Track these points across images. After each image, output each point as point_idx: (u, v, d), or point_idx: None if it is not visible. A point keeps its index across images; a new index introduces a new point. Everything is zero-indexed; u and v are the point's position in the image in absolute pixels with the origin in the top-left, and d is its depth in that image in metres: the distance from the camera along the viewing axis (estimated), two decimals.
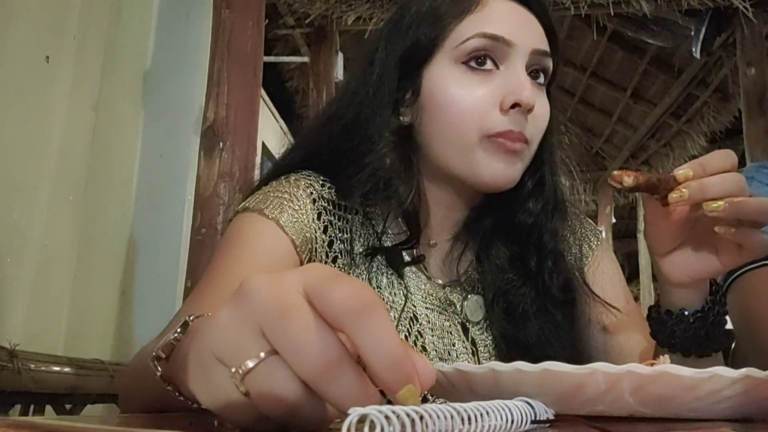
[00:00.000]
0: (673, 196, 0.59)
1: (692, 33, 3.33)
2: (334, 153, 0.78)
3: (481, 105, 0.73)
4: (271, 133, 3.59)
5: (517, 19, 0.76)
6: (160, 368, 0.42)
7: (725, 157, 0.60)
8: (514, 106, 0.72)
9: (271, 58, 3.59)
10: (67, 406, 1.28)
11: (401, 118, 0.78)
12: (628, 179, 0.59)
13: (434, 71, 0.76)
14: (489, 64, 0.74)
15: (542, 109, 0.76)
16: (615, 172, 0.59)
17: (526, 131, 0.74)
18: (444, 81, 0.75)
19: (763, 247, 0.60)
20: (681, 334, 0.68)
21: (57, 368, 1.22)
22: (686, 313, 0.68)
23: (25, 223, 1.39)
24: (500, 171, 0.74)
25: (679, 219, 0.64)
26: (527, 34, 0.76)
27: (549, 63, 0.78)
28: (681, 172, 0.59)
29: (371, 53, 0.81)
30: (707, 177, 0.58)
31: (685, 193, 0.58)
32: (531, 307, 0.79)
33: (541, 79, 0.78)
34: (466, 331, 0.80)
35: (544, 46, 0.77)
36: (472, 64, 0.74)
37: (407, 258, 0.79)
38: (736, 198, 0.58)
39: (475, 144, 0.73)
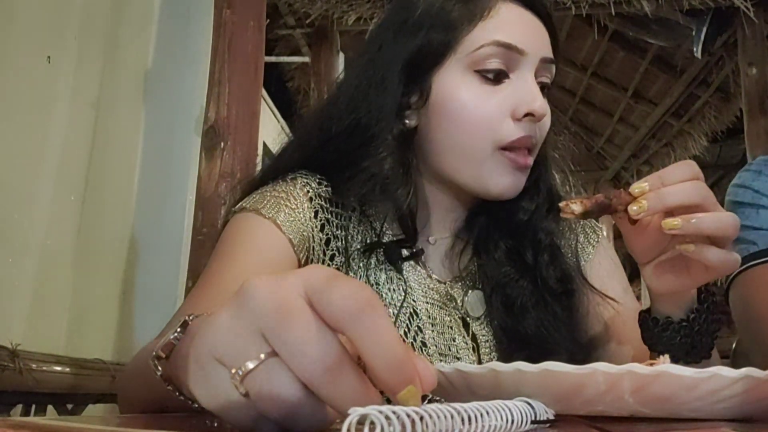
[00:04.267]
0: (632, 208, 0.58)
1: (693, 33, 3.32)
2: (333, 154, 0.78)
3: (494, 114, 0.73)
4: (272, 133, 3.57)
5: (528, 27, 0.76)
6: (160, 368, 0.42)
7: (685, 167, 0.59)
8: (527, 115, 0.73)
9: (272, 58, 3.59)
10: (69, 406, 1.28)
11: (406, 121, 0.78)
12: (576, 207, 0.58)
13: (445, 77, 0.75)
14: (501, 73, 0.74)
15: (547, 115, 0.77)
16: (561, 204, 0.59)
17: (535, 138, 0.75)
18: (456, 88, 0.74)
19: (727, 265, 0.59)
20: (667, 341, 0.67)
21: (58, 368, 1.22)
22: (672, 321, 0.67)
23: (26, 223, 1.39)
24: (508, 184, 0.75)
25: (654, 229, 0.62)
26: (537, 42, 0.76)
27: (554, 70, 0.78)
28: (636, 187, 0.59)
29: (372, 53, 0.80)
30: (666, 187, 0.58)
31: (644, 204, 0.57)
32: (529, 300, 0.79)
33: (547, 84, 0.78)
34: (466, 326, 0.80)
35: (551, 53, 0.77)
36: (486, 74, 0.74)
37: (405, 253, 0.79)
38: (695, 215, 0.57)
39: (488, 156, 0.74)
